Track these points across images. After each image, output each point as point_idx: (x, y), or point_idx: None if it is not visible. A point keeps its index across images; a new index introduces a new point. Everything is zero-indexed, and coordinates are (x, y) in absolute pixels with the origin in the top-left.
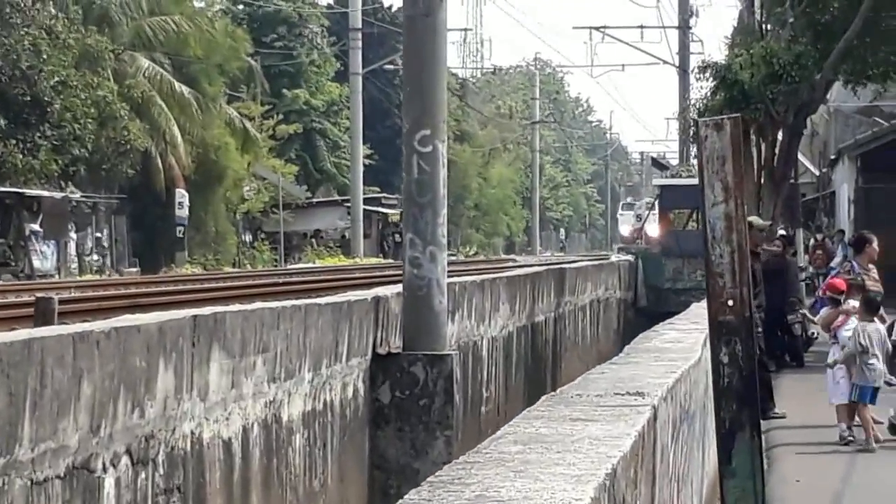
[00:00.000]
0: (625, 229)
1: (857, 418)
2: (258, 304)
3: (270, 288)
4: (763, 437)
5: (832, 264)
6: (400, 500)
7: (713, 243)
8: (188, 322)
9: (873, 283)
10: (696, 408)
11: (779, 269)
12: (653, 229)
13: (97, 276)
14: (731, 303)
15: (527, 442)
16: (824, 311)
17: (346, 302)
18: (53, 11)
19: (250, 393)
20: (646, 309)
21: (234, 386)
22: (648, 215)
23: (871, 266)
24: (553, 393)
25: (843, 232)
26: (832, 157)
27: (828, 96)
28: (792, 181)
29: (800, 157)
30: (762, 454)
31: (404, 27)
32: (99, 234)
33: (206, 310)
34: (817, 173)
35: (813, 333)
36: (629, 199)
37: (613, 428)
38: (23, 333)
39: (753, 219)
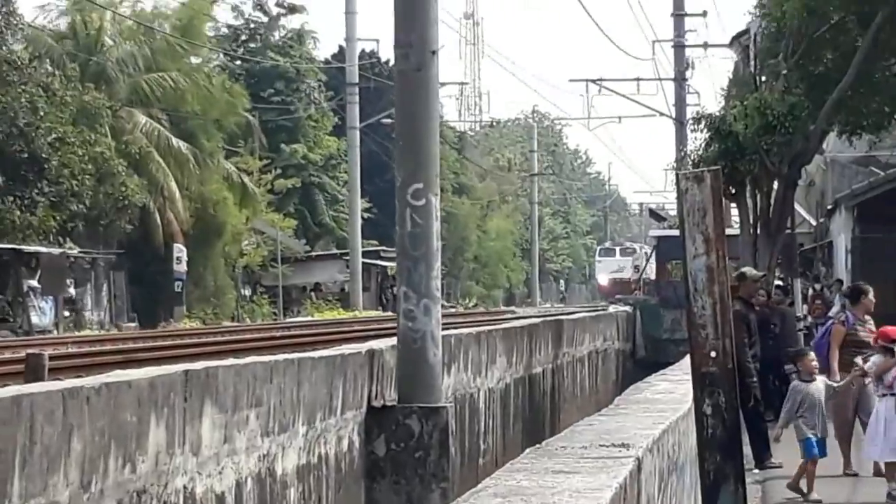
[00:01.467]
0: (602, 278)
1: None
2: (251, 359)
3: (267, 342)
4: (761, 486)
5: (830, 314)
6: None
7: (695, 295)
8: (180, 377)
9: (868, 334)
10: (685, 459)
11: (765, 319)
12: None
13: (96, 332)
14: (713, 354)
15: (506, 495)
16: (877, 359)
17: (340, 355)
18: (50, 69)
19: (243, 447)
20: (644, 359)
21: (227, 440)
22: (646, 266)
23: (867, 317)
24: (538, 445)
25: (840, 282)
26: (829, 206)
27: (823, 146)
28: (789, 231)
29: (797, 207)
30: None
31: (396, 82)
32: (98, 290)
33: (199, 364)
34: (814, 223)
35: None
36: (608, 244)
37: (595, 480)
38: (12, 389)
39: (747, 270)
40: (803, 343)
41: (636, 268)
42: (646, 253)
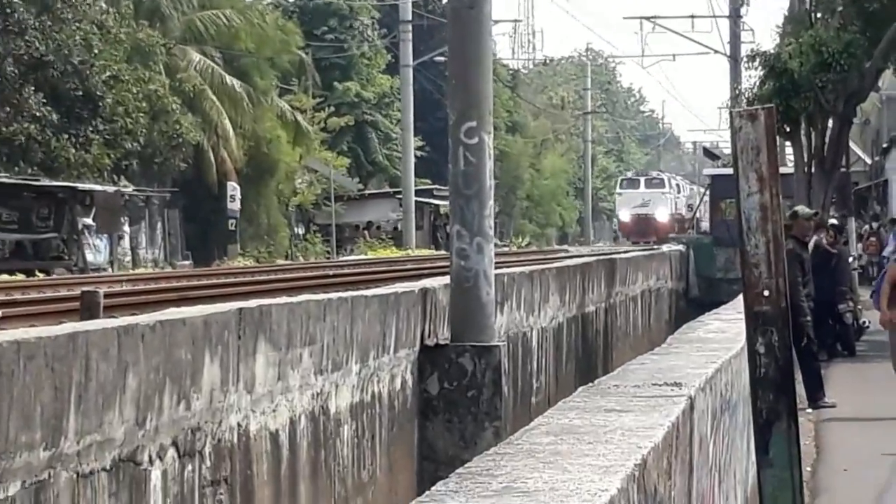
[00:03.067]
0: (624, 213)
1: None
2: (304, 297)
3: (321, 280)
4: (814, 425)
5: (885, 253)
6: (427, 492)
7: (748, 234)
8: (234, 315)
9: None
10: (738, 398)
11: (822, 260)
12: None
13: (150, 270)
14: (766, 293)
15: (558, 433)
16: None
17: (394, 294)
18: (104, 6)
19: (297, 385)
20: (697, 299)
21: (281, 378)
22: (700, 205)
23: None
24: (591, 384)
25: (895, 220)
26: (885, 145)
27: (879, 84)
28: (843, 169)
29: (851, 145)
30: (799, 443)
31: (449, 19)
32: (152, 228)
33: (253, 302)
34: (870, 162)
35: (864, 322)
36: (630, 174)
37: (647, 419)
38: (67, 327)
39: (799, 208)
40: (857, 282)
41: (689, 206)
42: (677, 184)
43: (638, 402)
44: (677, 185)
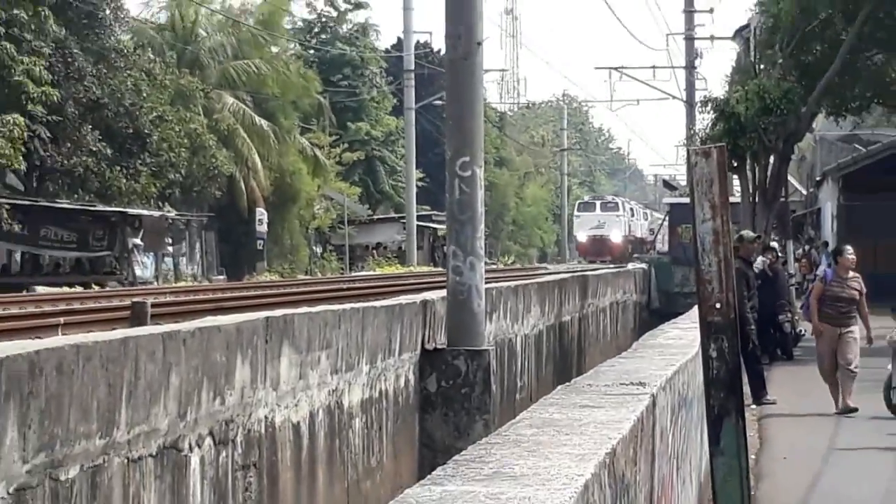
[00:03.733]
0: (581, 235)
1: None
2: (323, 307)
3: (336, 293)
4: (755, 418)
5: (817, 272)
6: (427, 476)
7: (703, 254)
8: (262, 323)
9: (842, 290)
10: (693, 396)
11: (768, 276)
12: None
13: (190, 283)
14: (718, 306)
15: (540, 426)
16: None
17: (399, 305)
18: (152, 56)
19: (316, 383)
20: (658, 310)
21: (302, 377)
22: (659, 229)
23: (851, 273)
24: (567, 383)
25: (826, 243)
26: (818, 178)
27: (813, 126)
28: (783, 199)
29: (790, 178)
30: (746, 435)
31: (446, 69)
32: (191, 247)
33: (278, 312)
34: (805, 193)
35: (801, 331)
36: (587, 198)
37: (616, 413)
38: (120, 333)
39: (745, 232)
40: (794, 296)
41: (651, 230)
42: (631, 208)
43: (608, 399)
44: (631, 209)
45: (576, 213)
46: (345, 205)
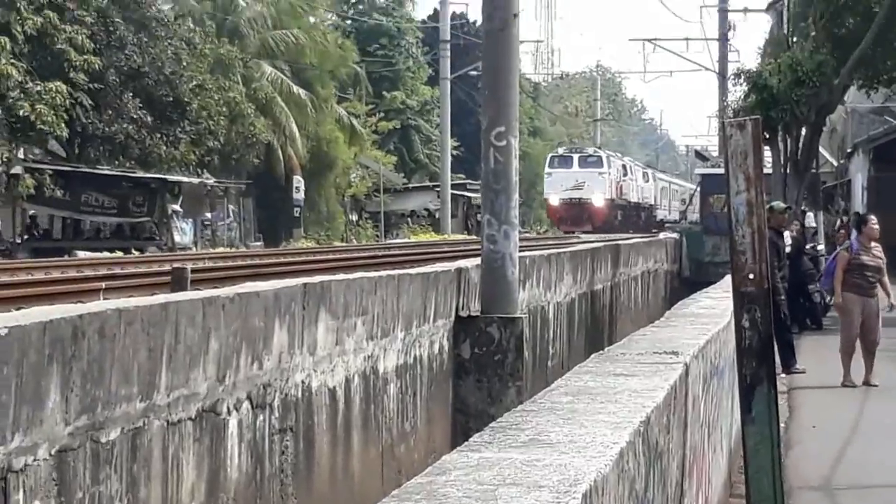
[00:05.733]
0: (553, 198)
1: None
2: (358, 274)
3: (371, 260)
4: (784, 388)
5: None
6: (465, 443)
7: (737, 226)
8: (300, 289)
9: (870, 258)
10: (725, 364)
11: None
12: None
13: (227, 249)
14: (751, 276)
15: (575, 393)
16: None
17: (434, 272)
18: (192, 26)
19: (352, 349)
20: (688, 279)
21: (338, 343)
22: (691, 199)
23: (873, 244)
24: (602, 352)
25: (858, 214)
26: (849, 150)
27: (845, 98)
28: (814, 171)
29: (821, 150)
30: (777, 404)
31: (483, 40)
32: (230, 214)
33: (316, 278)
34: (836, 164)
35: (830, 300)
36: (561, 150)
37: (650, 382)
38: (160, 298)
39: (775, 203)
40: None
41: (683, 201)
42: (623, 165)
43: (642, 367)
44: (624, 167)
45: (546, 169)
46: (380, 173)
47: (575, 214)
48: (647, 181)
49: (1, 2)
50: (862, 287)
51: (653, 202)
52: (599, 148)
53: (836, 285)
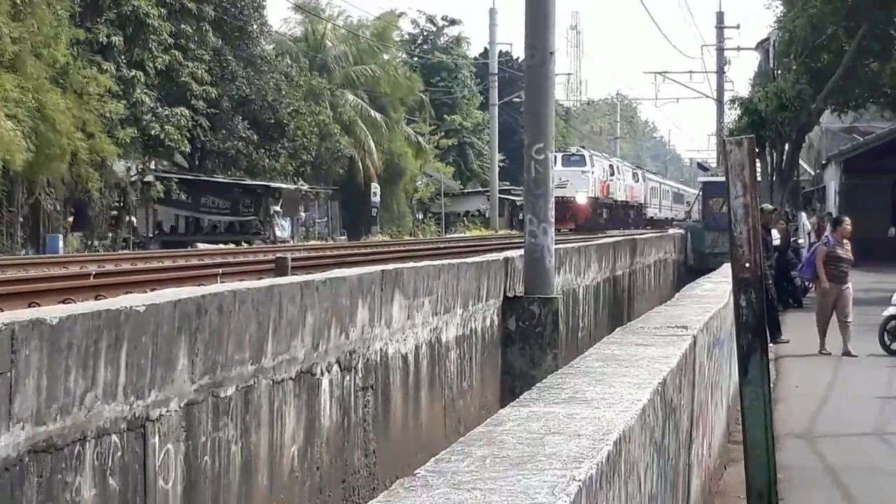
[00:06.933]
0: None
1: None
2: (425, 262)
3: (435, 251)
4: (772, 356)
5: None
6: (518, 398)
7: (735, 224)
8: (378, 274)
9: (844, 252)
10: (724, 337)
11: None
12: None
13: (319, 242)
14: (747, 265)
15: (605, 360)
16: None
17: (486, 261)
18: (289, 62)
19: (420, 322)
20: (693, 267)
21: (409, 318)
22: (695, 202)
23: (845, 241)
24: (624, 326)
25: (831, 214)
26: (823, 162)
27: (820, 120)
28: (795, 179)
29: (801, 162)
30: (769, 369)
31: (525, 73)
32: (320, 214)
33: (391, 266)
34: (813, 173)
35: (808, 284)
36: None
37: (665, 350)
38: (267, 281)
39: (765, 205)
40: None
41: (687, 203)
42: (611, 165)
43: (658, 339)
44: (611, 167)
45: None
46: (441, 180)
47: (557, 212)
48: (637, 181)
49: (136, 43)
50: (837, 276)
51: (643, 201)
52: (583, 147)
53: (821, 274)
